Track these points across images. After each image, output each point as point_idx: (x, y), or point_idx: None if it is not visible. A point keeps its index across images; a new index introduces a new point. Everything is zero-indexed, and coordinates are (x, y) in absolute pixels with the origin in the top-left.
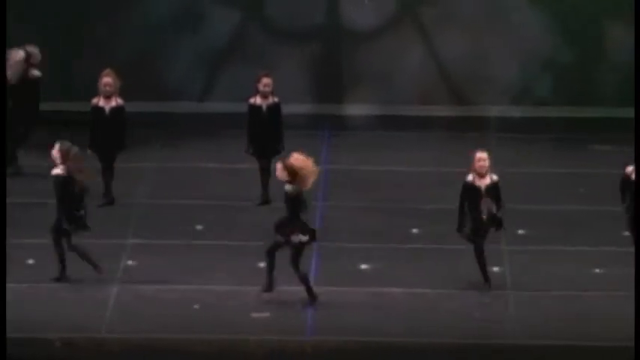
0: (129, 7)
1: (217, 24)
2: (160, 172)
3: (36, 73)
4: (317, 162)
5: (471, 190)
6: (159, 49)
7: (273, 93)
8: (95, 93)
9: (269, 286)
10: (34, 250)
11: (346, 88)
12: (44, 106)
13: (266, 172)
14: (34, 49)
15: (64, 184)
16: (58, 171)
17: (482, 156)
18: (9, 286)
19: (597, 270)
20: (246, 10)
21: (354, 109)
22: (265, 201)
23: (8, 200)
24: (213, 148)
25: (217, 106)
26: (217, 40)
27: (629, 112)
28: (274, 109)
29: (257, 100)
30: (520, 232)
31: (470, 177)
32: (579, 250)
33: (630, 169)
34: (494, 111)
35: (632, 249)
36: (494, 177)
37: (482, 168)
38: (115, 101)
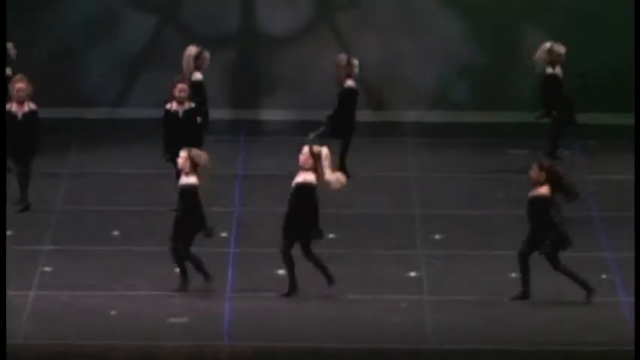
0: (45, 11)
1: (133, 29)
2: (75, 178)
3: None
4: (234, 167)
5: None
6: (74, 53)
7: (189, 98)
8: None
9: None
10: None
11: (262, 94)
12: None
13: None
14: None
15: None
16: None
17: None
18: None
19: (513, 274)
20: (162, 15)
21: (271, 115)
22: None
23: None
24: (129, 154)
25: (133, 111)
26: (133, 45)
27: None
28: (190, 114)
29: (173, 105)
30: (437, 236)
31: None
32: (496, 254)
33: (543, 189)
34: (410, 116)
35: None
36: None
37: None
38: (28, 106)
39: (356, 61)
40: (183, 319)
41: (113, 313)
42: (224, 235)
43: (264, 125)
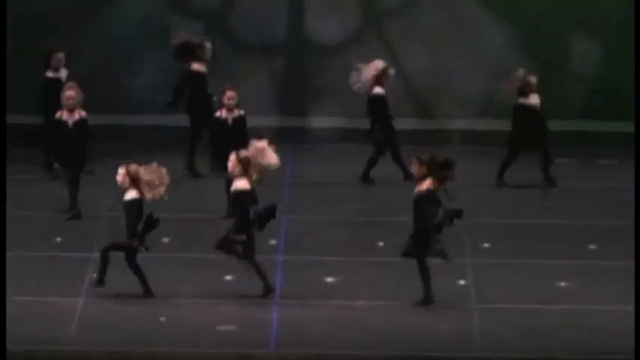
0: (94, 19)
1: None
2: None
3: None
4: (282, 175)
5: None
6: (124, 62)
7: (238, 106)
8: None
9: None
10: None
11: (311, 102)
12: (10, 119)
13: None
14: None
15: None
16: None
17: None
18: None
19: (562, 283)
20: (211, 24)
21: (319, 122)
22: (230, 214)
23: None
24: (176, 161)
25: (182, 119)
26: None
27: (594, 125)
28: (239, 122)
29: (222, 113)
30: (484, 245)
31: None
32: (543, 263)
33: (425, 184)
34: (458, 124)
35: (597, 262)
36: None
37: None
38: (78, 114)
39: (392, 71)
40: (231, 327)
41: (162, 319)
42: (273, 242)
43: (311, 133)
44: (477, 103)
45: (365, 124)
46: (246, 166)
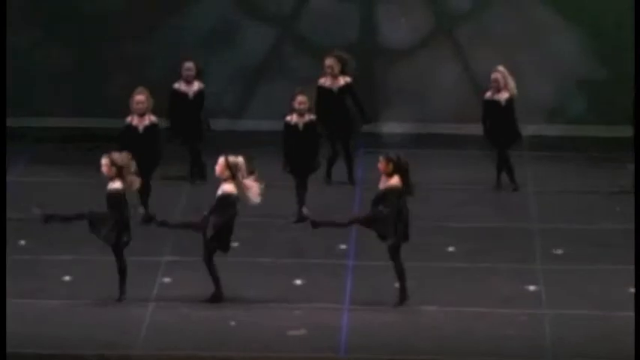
0: (163, 24)
1: (252, 41)
2: (194, 189)
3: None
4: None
5: None
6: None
7: (309, 111)
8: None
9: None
10: (71, 266)
11: (381, 106)
12: (77, 123)
13: (302, 189)
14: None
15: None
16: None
17: None
18: (45, 302)
19: (631, 289)
20: (281, 27)
21: (389, 127)
22: (300, 219)
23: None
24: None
25: (252, 123)
26: (252, 57)
27: None
28: (310, 126)
29: (293, 118)
30: (556, 251)
31: None
32: (615, 269)
33: (394, 180)
34: (528, 129)
35: None
36: None
37: None
38: (149, 119)
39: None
40: (301, 331)
41: (232, 324)
42: (343, 247)
43: (381, 138)
44: (547, 108)
45: (434, 129)
46: (234, 172)
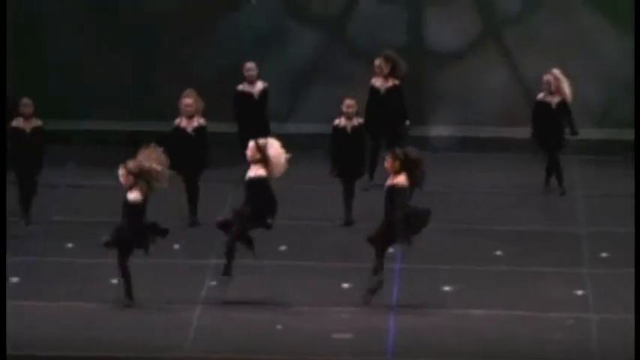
0: (212, 27)
1: (300, 44)
2: (241, 192)
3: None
4: None
5: None
6: (242, 69)
7: (357, 114)
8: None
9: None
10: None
11: (429, 109)
12: (127, 126)
13: (349, 193)
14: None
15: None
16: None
17: None
18: (92, 305)
19: None
20: (329, 31)
21: (437, 130)
22: (347, 222)
23: (82, 219)
24: (293, 169)
25: (300, 127)
26: (300, 60)
27: None
28: (358, 130)
29: (341, 121)
30: (603, 255)
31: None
32: None
33: (400, 178)
34: (584, 133)
35: None
36: None
37: None
38: (197, 121)
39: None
40: (348, 335)
41: (279, 327)
42: (390, 250)
43: (429, 141)
44: (594, 112)
45: (481, 132)
46: (264, 154)
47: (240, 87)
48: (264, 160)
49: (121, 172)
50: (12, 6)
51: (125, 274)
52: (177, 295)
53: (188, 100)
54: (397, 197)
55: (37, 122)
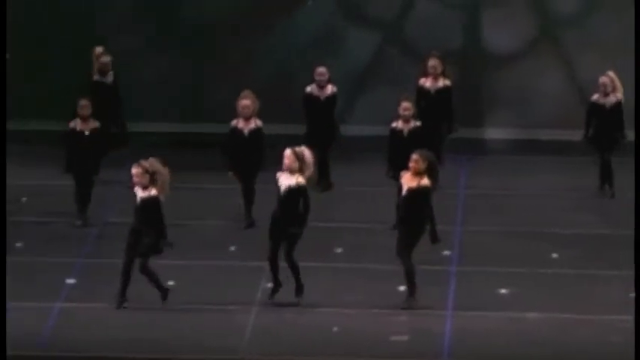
0: (268, 29)
1: (357, 46)
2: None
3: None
4: (455, 186)
5: None
6: (298, 71)
7: (414, 117)
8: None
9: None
10: (174, 271)
11: (485, 112)
12: (183, 128)
13: None
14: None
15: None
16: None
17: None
18: (149, 307)
19: None
20: (386, 33)
21: (493, 133)
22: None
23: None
24: (349, 171)
25: (356, 129)
26: (357, 62)
27: None
28: (415, 133)
29: (399, 124)
30: None
31: None
32: None
33: (425, 180)
34: (629, 135)
35: None
36: None
37: None
38: (254, 123)
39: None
40: (404, 337)
41: (335, 329)
42: (446, 253)
43: (485, 144)
44: None
45: (538, 135)
46: (302, 162)
47: (309, 89)
48: (302, 168)
49: (135, 171)
50: (68, 7)
51: (149, 274)
52: (232, 297)
53: (246, 102)
54: (428, 198)
55: (95, 124)
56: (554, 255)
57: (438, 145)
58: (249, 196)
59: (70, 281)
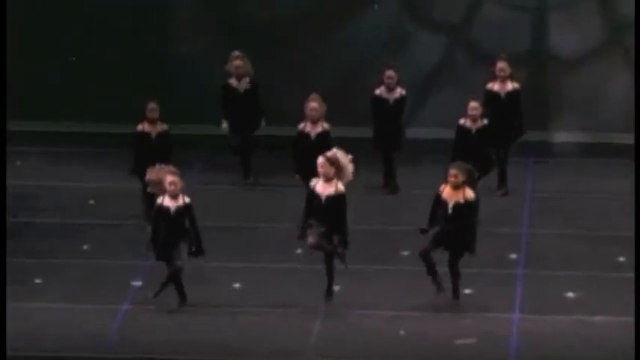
0: (334, 31)
1: (423, 49)
2: (363, 198)
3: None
4: (522, 189)
5: None
6: (364, 74)
7: (482, 117)
8: (301, 117)
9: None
10: (241, 274)
11: (552, 115)
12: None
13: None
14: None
15: None
16: None
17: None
18: (215, 309)
19: None
20: (451, 35)
21: (560, 136)
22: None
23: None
24: (415, 173)
25: (423, 131)
26: (423, 65)
27: None
28: (483, 132)
29: (467, 122)
30: None
31: None
32: None
33: (469, 192)
34: None
35: None
36: None
37: None
38: (321, 126)
39: None
40: (471, 340)
41: (401, 332)
42: (513, 256)
43: (552, 147)
44: None
45: (606, 138)
46: (337, 167)
47: (378, 92)
48: (338, 174)
49: (175, 179)
50: (139, 14)
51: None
52: (299, 299)
53: (313, 104)
54: (476, 211)
55: (162, 126)
56: (622, 258)
57: (506, 147)
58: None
59: (137, 283)
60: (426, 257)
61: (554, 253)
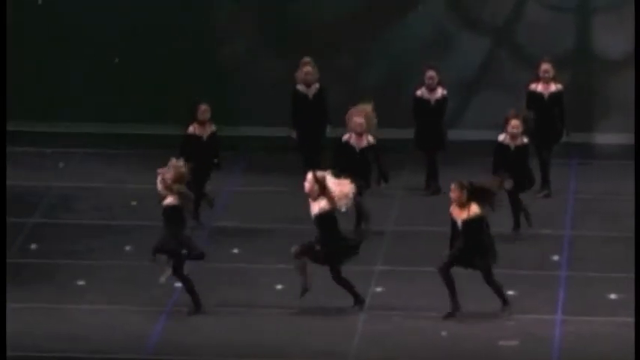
0: (378, 35)
1: (467, 50)
2: (407, 198)
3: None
4: (565, 191)
5: None
6: (407, 76)
7: (522, 134)
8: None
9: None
10: (283, 275)
11: (597, 117)
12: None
13: (515, 201)
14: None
15: None
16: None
17: None
18: (257, 311)
19: None
20: (496, 37)
21: (603, 138)
22: (514, 228)
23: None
24: (458, 175)
25: (465, 133)
26: (466, 66)
27: None
28: (522, 150)
29: (506, 139)
30: None
31: None
32: None
33: (474, 208)
34: None
35: None
36: None
37: None
38: (366, 140)
39: None
40: (513, 342)
41: (444, 334)
42: (555, 258)
43: (595, 148)
44: None
45: None
46: (323, 186)
47: (419, 92)
48: (324, 193)
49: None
50: (183, 15)
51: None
52: (342, 301)
53: (358, 120)
54: (483, 225)
55: (212, 128)
56: None
57: (549, 149)
58: (359, 207)
59: (179, 285)
60: (445, 275)
61: (596, 254)
